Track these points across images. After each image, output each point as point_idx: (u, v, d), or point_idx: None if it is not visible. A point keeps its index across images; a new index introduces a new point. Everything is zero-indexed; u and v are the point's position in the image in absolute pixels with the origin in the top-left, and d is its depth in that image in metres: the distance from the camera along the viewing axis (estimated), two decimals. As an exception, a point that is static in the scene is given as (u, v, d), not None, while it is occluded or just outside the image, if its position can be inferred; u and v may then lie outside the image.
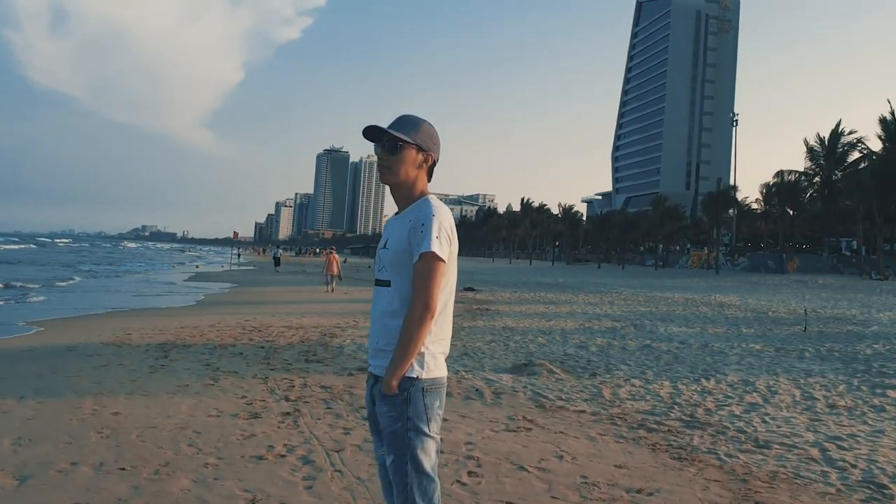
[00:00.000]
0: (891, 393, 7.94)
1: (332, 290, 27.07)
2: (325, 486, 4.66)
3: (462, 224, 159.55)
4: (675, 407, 7.14)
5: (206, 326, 13.75)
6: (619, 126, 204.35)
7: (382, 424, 2.67)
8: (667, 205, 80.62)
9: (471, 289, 29.12)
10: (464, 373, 8.82)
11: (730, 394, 7.82)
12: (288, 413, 6.65)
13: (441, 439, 2.77)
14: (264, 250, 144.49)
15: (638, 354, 10.80)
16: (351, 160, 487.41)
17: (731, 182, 69.97)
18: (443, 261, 2.61)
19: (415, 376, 2.65)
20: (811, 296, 28.93)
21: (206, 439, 5.72)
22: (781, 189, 61.00)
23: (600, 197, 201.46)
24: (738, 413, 6.92)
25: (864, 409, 7.21)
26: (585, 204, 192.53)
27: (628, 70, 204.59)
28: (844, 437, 6.07)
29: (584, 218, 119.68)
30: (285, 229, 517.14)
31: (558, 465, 5.17)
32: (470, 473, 4.94)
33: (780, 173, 61.69)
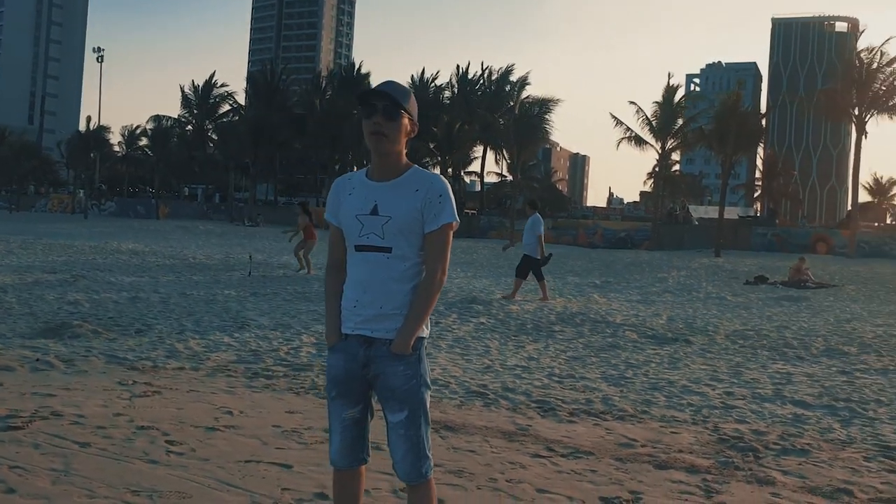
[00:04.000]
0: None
1: None
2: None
3: None
4: (259, 353, 7.56)
5: None
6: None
7: (395, 383, 2.75)
8: (22, 140, 73.62)
9: None
10: (-13, 342, 7.51)
11: (284, 338, 8.55)
12: None
13: None
14: None
15: (140, 307, 10.57)
16: None
17: (98, 122, 68.09)
18: (454, 229, 2.83)
19: (424, 336, 2.85)
20: (202, 241, 30.77)
21: None
22: (156, 134, 61.87)
23: None
24: (315, 353, 7.73)
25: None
26: None
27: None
28: (433, 362, 7.45)
29: None
30: None
31: (243, 420, 5.24)
32: (169, 442, 4.68)
33: (156, 118, 62.39)
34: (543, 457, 4.76)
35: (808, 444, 5.22)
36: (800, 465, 4.77)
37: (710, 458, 4.85)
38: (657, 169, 44.11)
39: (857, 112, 38.53)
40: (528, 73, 52.65)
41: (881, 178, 73.56)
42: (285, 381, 6.51)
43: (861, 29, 38.14)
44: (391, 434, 2.81)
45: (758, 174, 77.01)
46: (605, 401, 6.27)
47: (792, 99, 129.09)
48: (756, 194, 73.40)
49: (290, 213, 56.63)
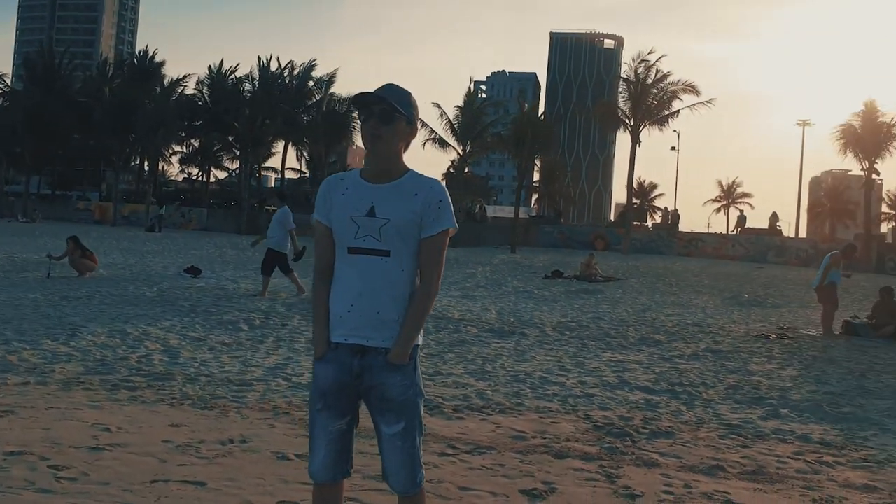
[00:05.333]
0: (244, 327, 9.47)
1: None
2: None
3: None
4: (107, 363, 7.02)
5: None
6: None
7: (392, 394, 2.72)
8: None
9: None
10: None
11: (127, 345, 7.98)
12: None
13: None
14: None
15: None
16: None
17: None
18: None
19: (420, 344, 2.83)
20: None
21: None
22: None
23: None
24: (168, 360, 7.31)
25: (246, 342, 8.52)
26: None
27: None
28: (284, 364, 7.35)
29: None
30: None
31: (126, 437, 4.89)
32: (53, 468, 4.26)
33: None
34: (450, 455, 4.91)
35: (669, 426, 5.81)
36: (671, 446, 5.31)
37: (595, 445, 5.26)
38: (453, 171, 45.68)
39: (632, 123, 42.47)
40: (335, 70, 52.03)
41: (644, 181, 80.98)
42: (151, 391, 6.13)
43: (655, 54, 41.94)
44: (385, 445, 2.78)
45: (537, 177, 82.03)
46: (480, 395, 6.55)
47: (566, 108, 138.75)
48: (535, 196, 78.05)
49: (68, 208, 52.35)
